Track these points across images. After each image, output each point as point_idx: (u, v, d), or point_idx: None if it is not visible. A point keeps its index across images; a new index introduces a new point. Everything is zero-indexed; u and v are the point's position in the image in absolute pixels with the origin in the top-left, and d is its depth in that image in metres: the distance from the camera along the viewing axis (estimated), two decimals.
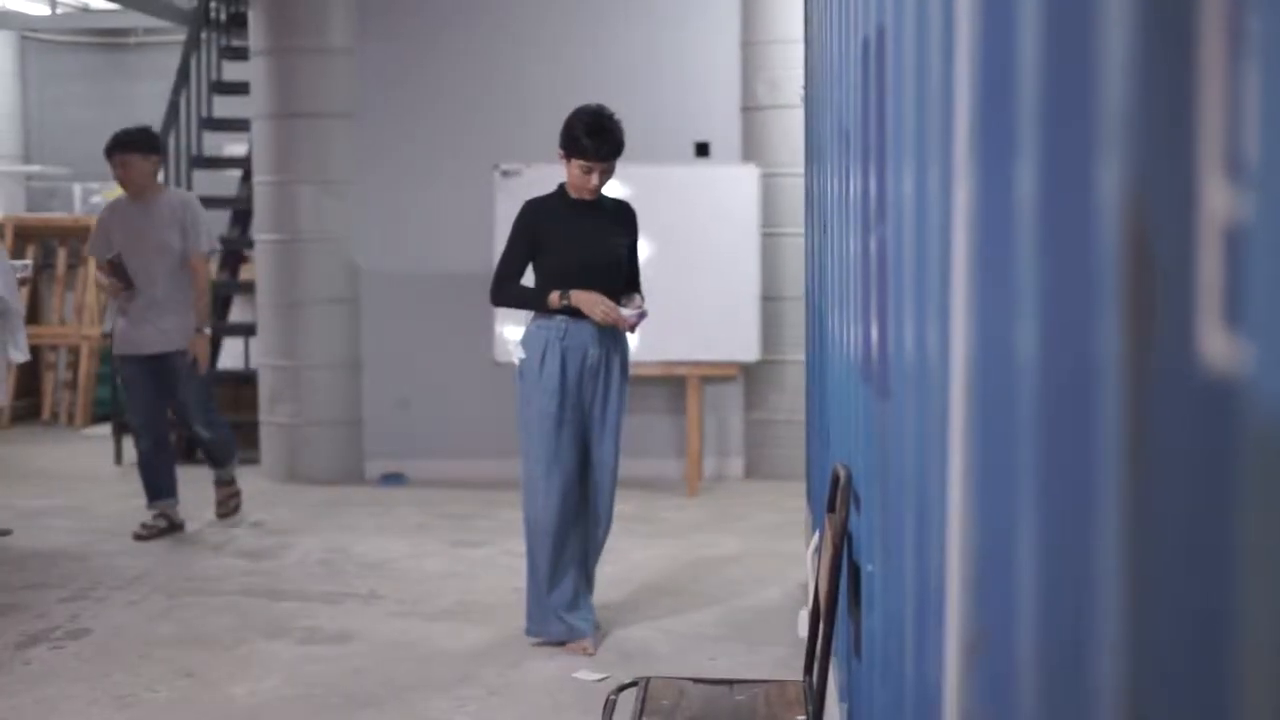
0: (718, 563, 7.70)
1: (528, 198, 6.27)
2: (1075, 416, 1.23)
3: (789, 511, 8.71)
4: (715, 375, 9.80)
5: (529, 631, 6.19)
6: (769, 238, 9.76)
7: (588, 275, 5.99)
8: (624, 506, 9.10)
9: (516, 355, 6.11)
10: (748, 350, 9.57)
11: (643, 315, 6.07)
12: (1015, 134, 1.44)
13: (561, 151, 6.04)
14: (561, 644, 6.12)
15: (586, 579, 6.28)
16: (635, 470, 10.05)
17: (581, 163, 5.98)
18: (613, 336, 6.09)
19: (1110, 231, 1.10)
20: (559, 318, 5.98)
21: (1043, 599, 1.39)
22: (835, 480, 3.77)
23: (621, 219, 6.23)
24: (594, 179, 6.03)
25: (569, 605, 6.14)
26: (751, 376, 10.03)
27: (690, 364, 9.54)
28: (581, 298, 5.92)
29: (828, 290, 5.27)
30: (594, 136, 5.96)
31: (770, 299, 9.79)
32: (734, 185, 9.55)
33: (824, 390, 5.64)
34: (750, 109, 9.93)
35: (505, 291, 6.08)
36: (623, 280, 6.17)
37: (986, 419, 1.69)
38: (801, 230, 9.09)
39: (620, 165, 9.41)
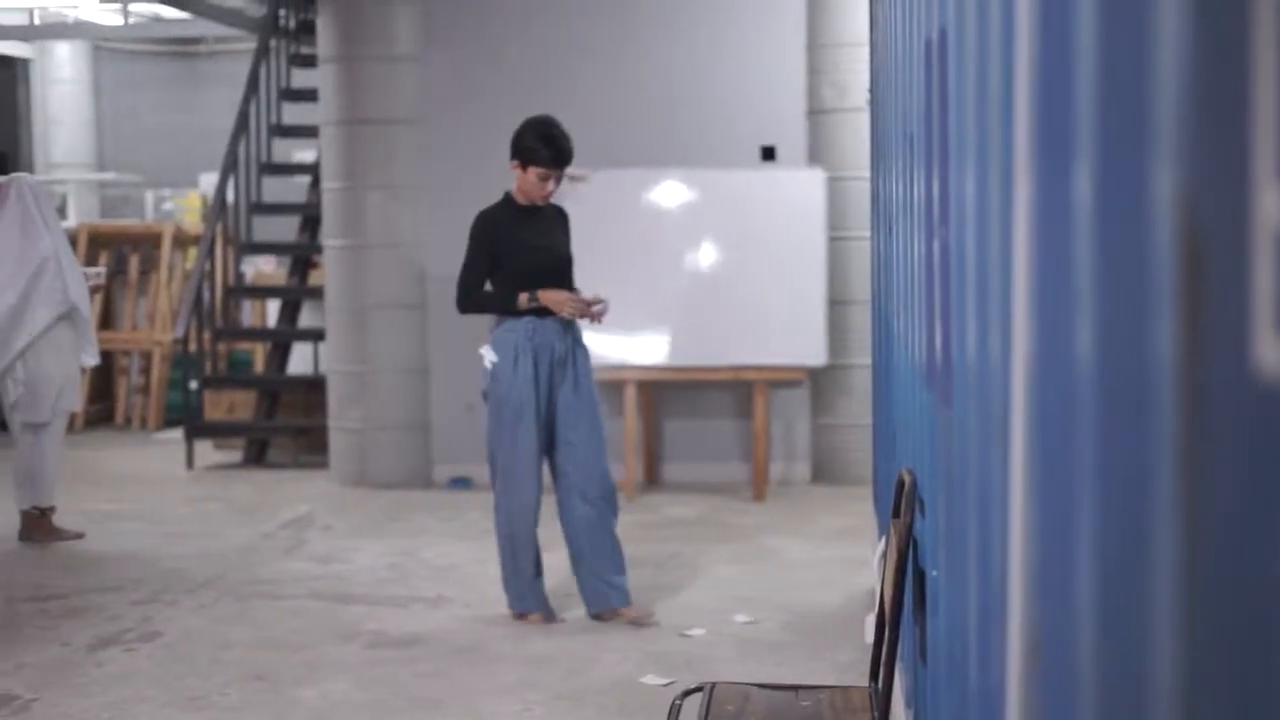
0: (784, 567, 7.69)
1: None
2: (1132, 421, 1.22)
3: (856, 516, 8.68)
4: (782, 380, 9.78)
5: (513, 606, 6.64)
6: (836, 242, 9.73)
7: (546, 276, 6.50)
8: (690, 510, 9.15)
9: (488, 359, 6.47)
10: (815, 355, 9.54)
11: (606, 307, 6.58)
12: (1072, 137, 1.44)
13: (515, 161, 6.50)
14: (523, 616, 6.62)
15: (610, 553, 6.65)
16: (701, 474, 10.07)
17: (539, 170, 6.46)
18: (571, 330, 6.58)
19: (1164, 235, 1.10)
20: (526, 318, 6.43)
21: (1100, 602, 1.39)
22: (900, 485, 3.76)
23: (561, 221, 6.73)
24: (549, 186, 6.54)
25: (536, 579, 6.63)
26: (818, 381, 10.00)
27: (757, 368, 9.53)
28: (550, 297, 6.42)
29: (893, 294, 5.26)
30: (550, 146, 6.47)
31: (837, 303, 9.77)
32: (800, 189, 9.53)
33: (890, 395, 5.63)
34: (816, 112, 9.91)
35: (472, 299, 6.54)
36: (572, 277, 6.68)
37: (1046, 423, 1.68)
38: (868, 234, 9.06)
39: (686, 170, 9.52)
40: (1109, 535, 1.35)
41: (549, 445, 6.58)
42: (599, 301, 6.56)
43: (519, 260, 6.47)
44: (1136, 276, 1.18)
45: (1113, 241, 1.31)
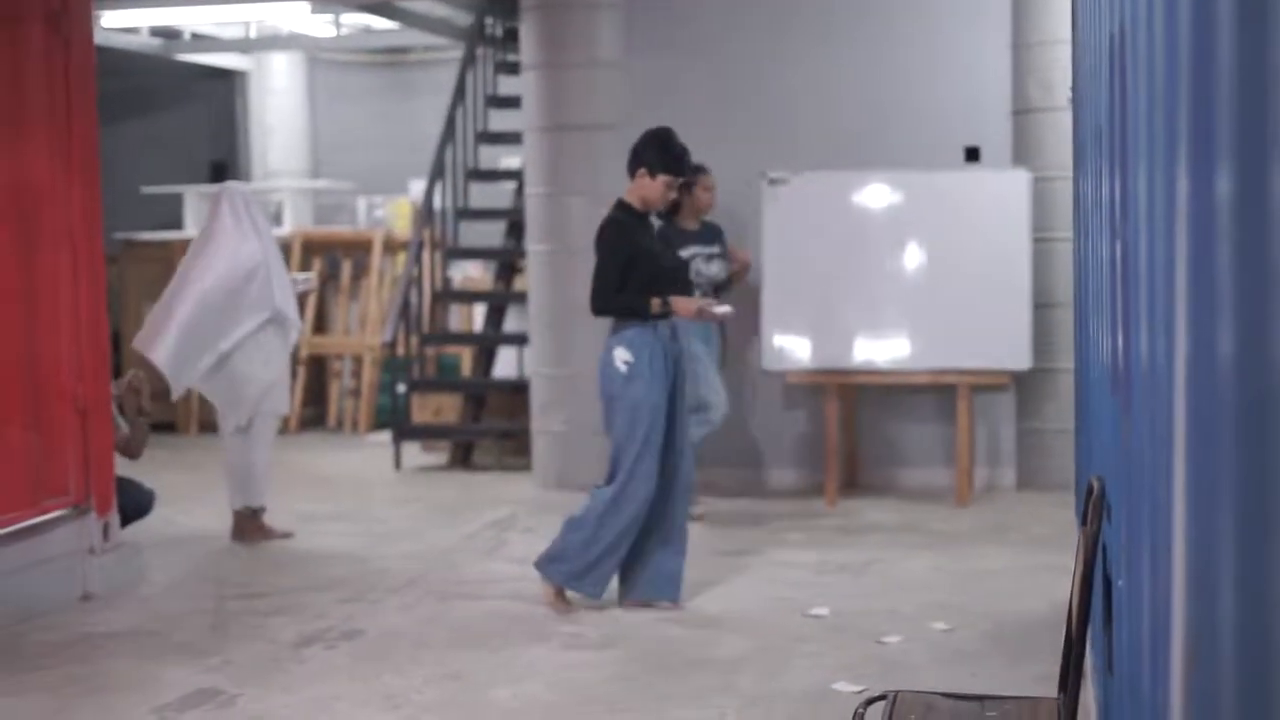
0: (985, 575, 7.57)
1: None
2: (1264, 428, 1.17)
3: (1061, 524, 8.50)
4: (986, 384, 9.63)
5: (591, 594, 6.86)
6: (1041, 243, 9.55)
7: (670, 280, 6.91)
8: (890, 516, 9.06)
9: (622, 361, 6.73)
10: (1019, 358, 9.38)
11: (729, 314, 7.04)
12: (1216, 136, 1.39)
13: (643, 170, 6.82)
14: (562, 597, 6.89)
15: (679, 542, 6.97)
16: (903, 479, 9.96)
17: (668, 179, 6.82)
18: (679, 335, 6.96)
19: None
20: (657, 323, 6.78)
21: (1244, 613, 1.34)
22: (1089, 492, 3.67)
23: (654, 228, 7.18)
24: (672, 194, 6.97)
25: (614, 568, 6.86)
26: (1023, 385, 9.83)
27: (960, 372, 9.39)
28: (680, 302, 6.80)
29: (1087, 296, 5.14)
30: (682, 156, 6.87)
31: (1043, 306, 9.59)
32: (1005, 190, 9.37)
33: (1086, 399, 5.51)
34: (1021, 112, 9.74)
35: (610, 303, 6.80)
36: None
37: (1198, 429, 1.62)
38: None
39: (890, 172, 9.42)
40: (1248, 544, 1.30)
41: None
42: (724, 308, 7.00)
43: (649, 267, 6.81)
44: (1265, 279, 1.14)
45: (1250, 243, 1.26)
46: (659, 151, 6.81)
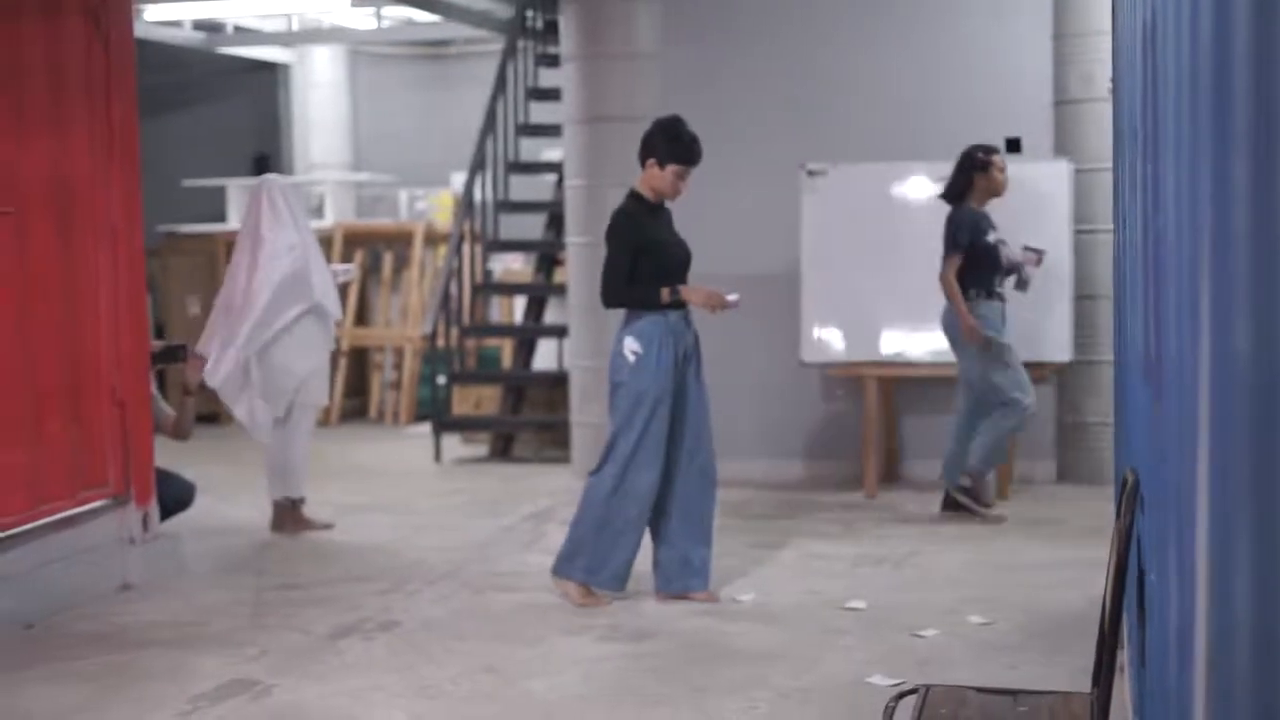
0: (1024, 568, 7.53)
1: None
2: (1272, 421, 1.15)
3: (1101, 517, 8.43)
4: None
5: (587, 580, 6.83)
6: (1082, 235, 9.49)
7: (679, 271, 6.85)
8: (930, 508, 9.01)
9: (631, 350, 6.73)
10: (1060, 350, 9.33)
11: (739, 303, 6.88)
12: (1230, 128, 1.37)
13: (653, 160, 6.76)
14: (587, 590, 6.85)
15: (704, 532, 6.98)
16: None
17: (678, 168, 6.75)
18: (692, 323, 6.89)
19: None
20: (668, 313, 6.74)
21: (1260, 608, 1.32)
22: (1123, 484, 3.64)
23: (670, 217, 6.99)
24: (684, 183, 6.84)
25: (631, 562, 6.84)
26: (1064, 377, 9.78)
27: None
28: (690, 292, 6.75)
29: (1125, 287, 5.11)
30: (691, 145, 6.76)
31: (1084, 298, 9.53)
32: (1046, 181, 9.32)
33: (1124, 391, 5.47)
34: (1063, 103, 9.68)
35: (619, 294, 6.79)
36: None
37: (1219, 421, 1.60)
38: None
39: (931, 164, 9.37)
40: (1265, 539, 1.28)
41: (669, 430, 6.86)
42: (733, 297, 6.84)
43: (659, 257, 6.80)
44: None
45: (1262, 234, 1.24)
46: (668, 141, 6.76)
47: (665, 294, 6.71)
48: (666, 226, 6.94)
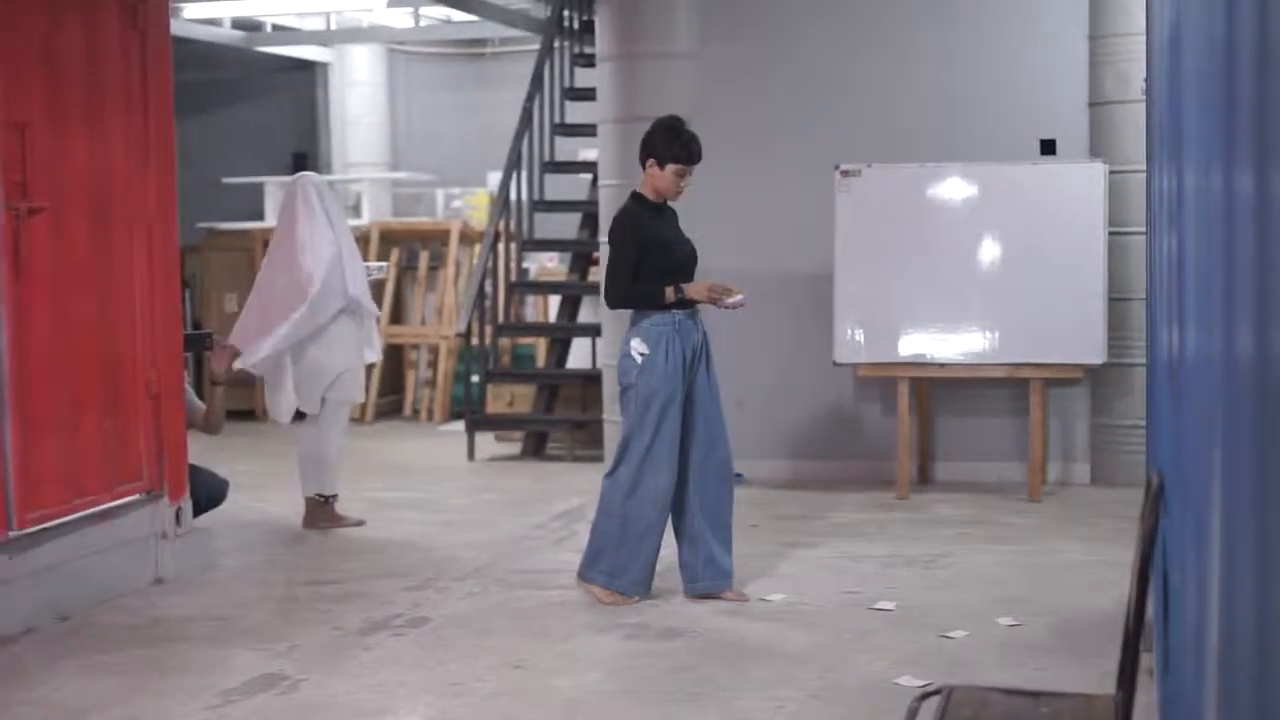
0: (1056, 570, 7.51)
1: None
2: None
3: (1133, 520, 8.39)
4: (1059, 378, 9.55)
5: (622, 588, 6.82)
6: (1117, 236, 9.46)
7: (683, 270, 6.82)
8: (962, 510, 9.00)
9: (638, 352, 6.73)
10: (1093, 352, 9.29)
11: (742, 301, 6.78)
12: (1237, 132, 1.37)
13: (652, 160, 6.76)
14: (612, 592, 6.82)
15: (724, 533, 6.94)
16: (975, 474, 9.91)
17: (678, 168, 6.74)
18: (701, 322, 6.87)
19: None
20: (672, 313, 6.72)
21: (1265, 612, 1.32)
22: (1149, 486, 3.63)
23: (676, 217, 6.99)
24: (685, 182, 6.82)
25: (652, 564, 6.85)
26: (1098, 379, 9.75)
27: (1034, 366, 9.32)
28: (694, 290, 6.73)
29: (1155, 290, 5.09)
30: (690, 144, 6.74)
31: (1118, 300, 9.50)
32: (1080, 183, 9.28)
33: (1153, 394, 5.46)
34: (1098, 104, 9.65)
35: (624, 295, 6.77)
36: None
37: (1233, 423, 1.61)
38: None
39: (964, 165, 9.35)
40: (1264, 540, 1.28)
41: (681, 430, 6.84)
42: (738, 296, 6.77)
43: (662, 257, 6.76)
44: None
45: (1270, 239, 1.25)
46: (667, 140, 6.75)
47: (669, 293, 6.70)
48: (670, 226, 6.92)
